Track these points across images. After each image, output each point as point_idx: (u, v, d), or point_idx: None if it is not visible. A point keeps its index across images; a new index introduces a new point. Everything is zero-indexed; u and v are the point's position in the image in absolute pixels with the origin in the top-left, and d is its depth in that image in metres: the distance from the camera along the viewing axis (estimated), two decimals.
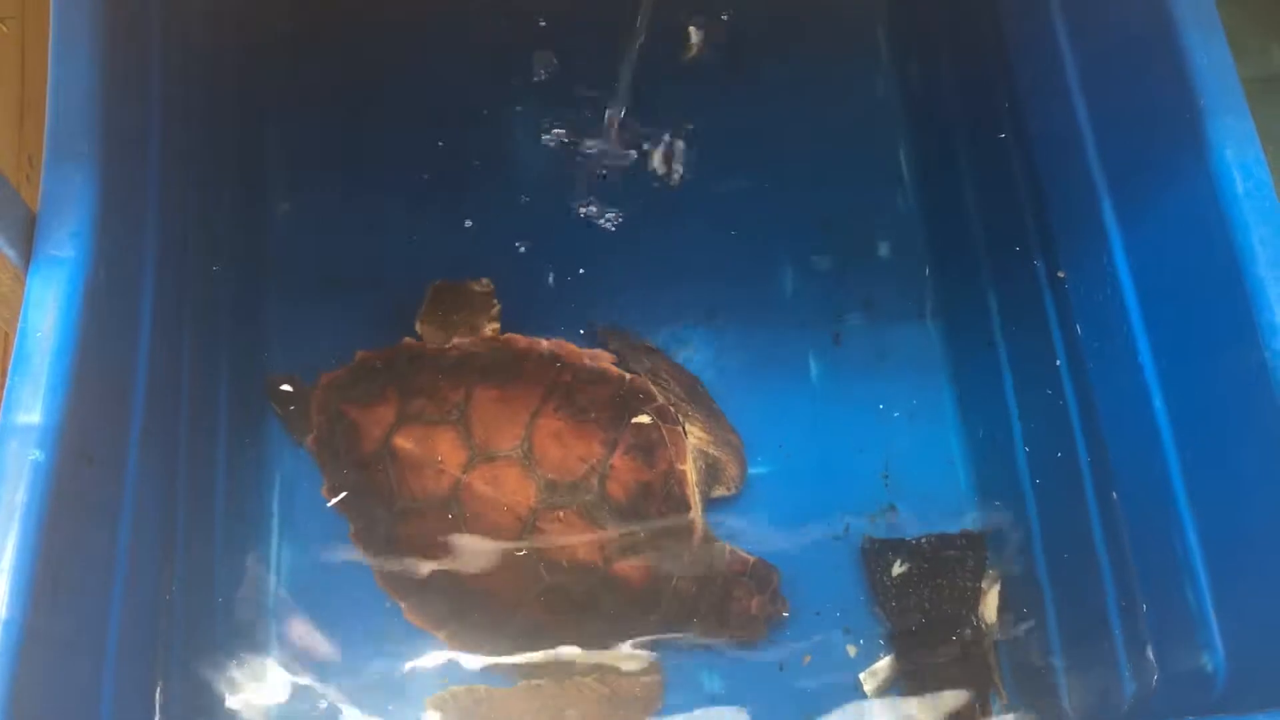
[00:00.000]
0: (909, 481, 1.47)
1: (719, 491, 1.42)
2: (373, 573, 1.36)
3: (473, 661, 1.34)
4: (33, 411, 0.94)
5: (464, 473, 1.34)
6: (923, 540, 1.41)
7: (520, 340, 1.43)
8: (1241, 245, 1.03)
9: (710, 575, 1.35)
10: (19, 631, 0.89)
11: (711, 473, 1.41)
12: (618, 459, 1.35)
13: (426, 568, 1.35)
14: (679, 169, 1.60)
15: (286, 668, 1.33)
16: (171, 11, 1.27)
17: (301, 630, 1.35)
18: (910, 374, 1.52)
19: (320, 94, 1.62)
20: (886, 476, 1.46)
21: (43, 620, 0.90)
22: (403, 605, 1.35)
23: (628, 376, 1.41)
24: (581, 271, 1.54)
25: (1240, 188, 1.04)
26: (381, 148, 1.60)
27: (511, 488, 1.33)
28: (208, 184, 1.39)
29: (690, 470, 1.37)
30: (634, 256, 1.56)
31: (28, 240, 1.01)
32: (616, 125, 1.59)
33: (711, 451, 1.41)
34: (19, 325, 0.98)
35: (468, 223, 1.56)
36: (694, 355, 1.52)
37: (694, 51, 1.66)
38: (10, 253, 0.99)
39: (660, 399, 1.40)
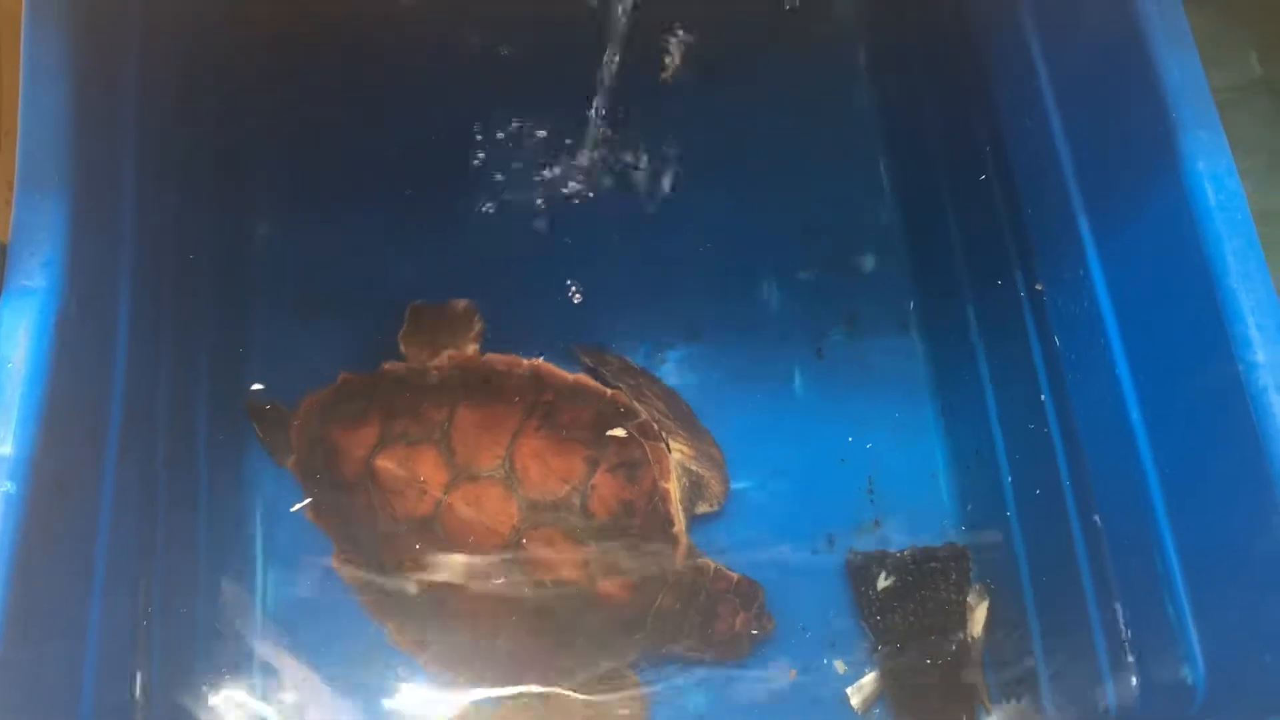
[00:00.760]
0: (893, 495, 1.47)
1: (703, 508, 1.41)
2: (356, 595, 1.36)
3: (457, 682, 1.34)
4: (4, 443, 0.94)
5: (446, 493, 1.34)
6: (907, 553, 1.41)
7: (501, 360, 1.43)
8: (1214, 257, 1.03)
9: (694, 592, 1.35)
10: None
11: (695, 489, 1.40)
12: (600, 477, 1.35)
13: (410, 589, 1.34)
14: (660, 186, 1.60)
15: (269, 693, 1.33)
16: (147, 39, 1.27)
17: (284, 654, 1.34)
18: (893, 387, 1.52)
19: (299, 116, 1.61)
20: (871, 490, 1.46)
21: (15, 652, 0.90)
22: (387, 627, 1.34)
23: (609, 394, 1.41)
24: (562, 290, 1.54)
25: (1212, 200, 1.05)
26: (361, 168, 1.59)
27: (494, 508, 1.33)
28: (185, 209, 1.38)
29: (673, 487, 1.37)
30: (615, 274, 1.55)
31: None
32: (597, 143, 1.59)
33: (695, 468, 1.41)
34: None
35: (449, 242, 1.56)
36: (676, 371, 1.52)
37: (674, 68, 1.66)
38: None
39: (643, 416, 1.40)
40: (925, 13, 1.59)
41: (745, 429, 1.48)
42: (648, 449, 1.37)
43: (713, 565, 1.37)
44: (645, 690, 1.35)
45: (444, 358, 1.43)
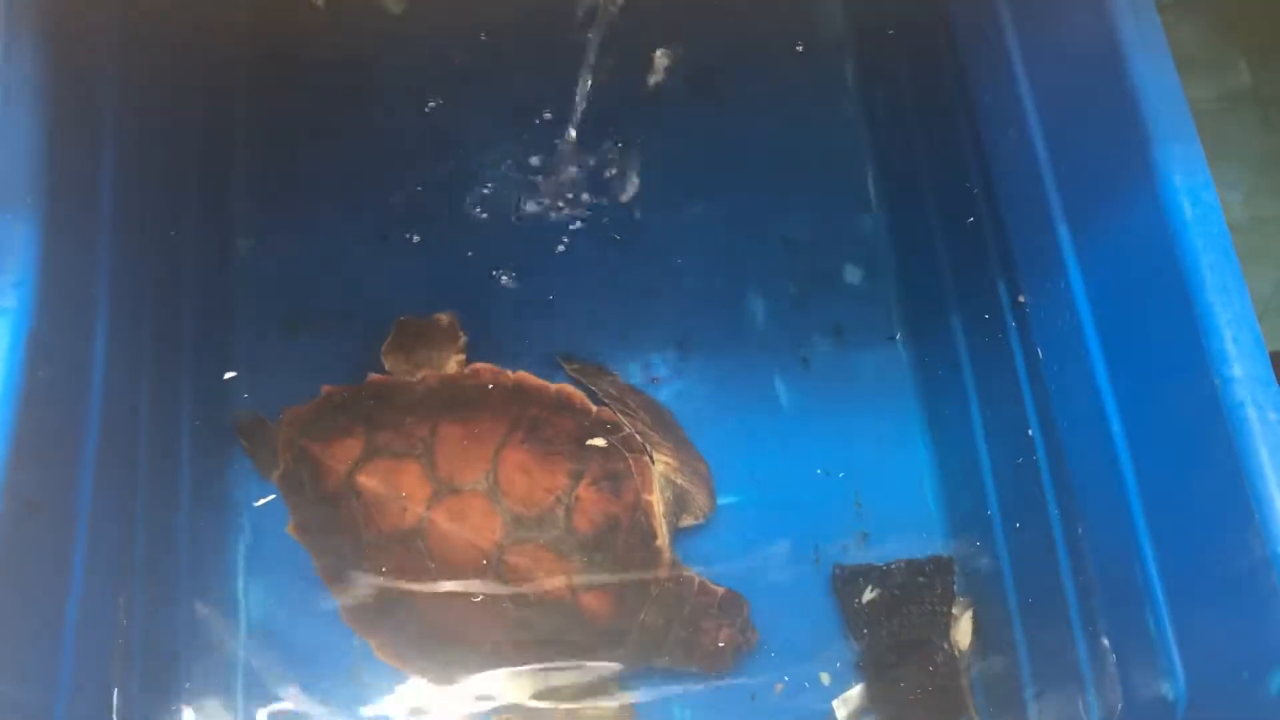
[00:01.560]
0: (879, 506, 1.46)
1: (687, 521, 1.41)
2: (339, 609, 1.35)
3: (441, 697, 1.33)
4: None
5: (429, 508, 1.34)
6: (893, 566, 1.41)
7: (486, 373, 1.43)
8: (1191, 271, 1.03)
9: (679, 606, 1.34)
10: None
11: (679, 502, 1.40)
12: (584, 490, 1.35)
13: (394, 603, 1.34)
14: (646, 198, 1.60)
15: (251, 710, 1.32)
16: (127, 54, 1.27)
17: (267, 670, 1.34)
18: (879, 398, 1.52)
19: (282, 130, 1.61)
20: (857, 503, 1.46)
21: None
22: (371, 642, 1.34)
23: (594, 408, 1.41)
24: (547, 302, 1.54)
25: (1189, 214, 1.04)
26: (346, 182, 1.59)
27: (477, 522, 1.33)
28: (166, 225, 1.39)
29: (657, 500, 1.37)
30: (600, 286, 1.55)
31: None
32: (583, 155, 1.58)
33: (679, 481, 1.40)
34: None
35: (433, 256, 1.56)
36: (661, 383, 1.51)
37: (660, 78, 1.66)
38: None
39: (627, 428, 1.40)
40: (911, 26, 1.59)
41: (731, 441, 1.48)
42: (631, 462, 1.37)
43: (697, 578, 1.36)
44: (630, 704, 1.35)
45: (428, 371, 1.43)
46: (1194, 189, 1.05)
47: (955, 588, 1.40)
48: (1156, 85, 1.08)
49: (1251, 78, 1.75)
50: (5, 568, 0.94)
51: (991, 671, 1.37)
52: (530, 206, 1.59)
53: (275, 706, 1.33)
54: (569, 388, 1.42)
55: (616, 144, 1.62)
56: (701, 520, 1.42)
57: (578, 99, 1.53)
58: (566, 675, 1.34)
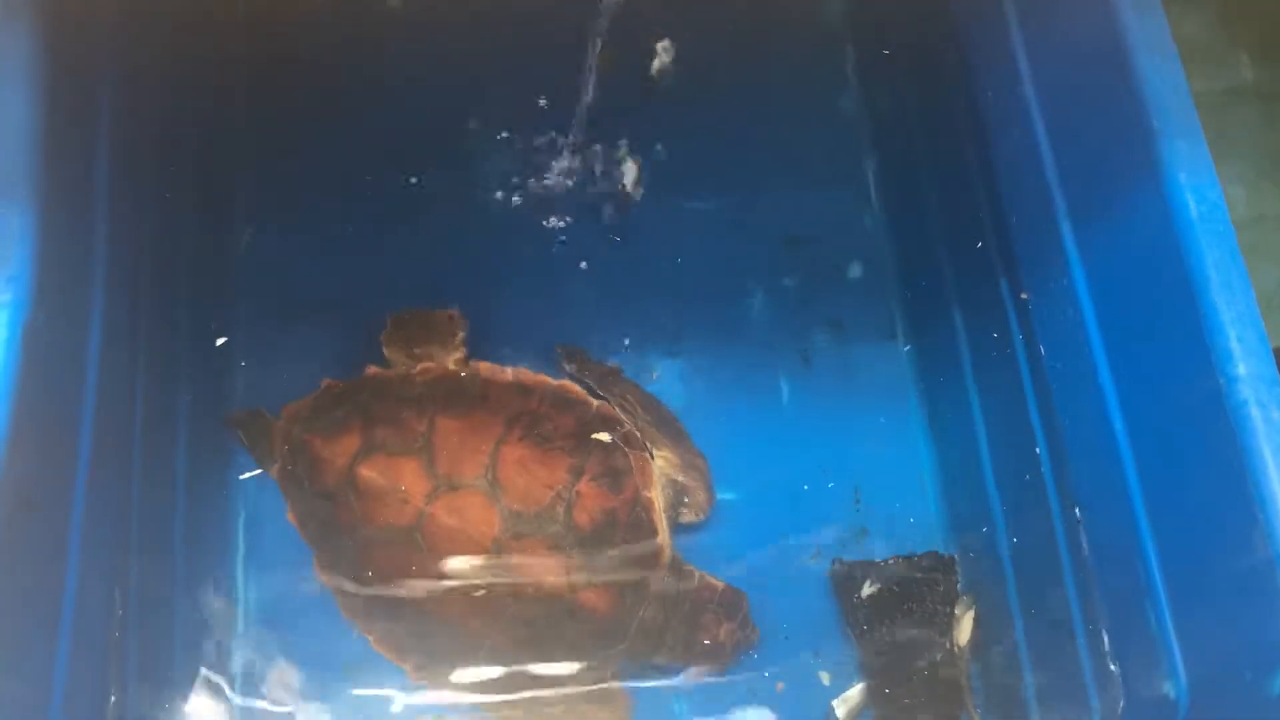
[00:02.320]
0: (879, 503, 1.46)
1: (687, 517, 1.41)
2: (338, 604, 1.35)
3: (440, 692, 1.33)
4: None
5: (428, 503, 1.33)
6: (892, 562, 1.41)
7: (485, 368, 1.42)
8: (1195, 269, 1.02)
9: (678, 603, 1.34)
10: None
11: (679, 498, 1.40)
12: (583, 486, 1.34)
13: (392, 598, 1.34)
14: (645, 191, 1.59)
15: (249, 704, 1.32)
16: (123, 43, 1.26)
17: (265, 664, 1.34)
18: (880, 394, 1.52)
19: (282, 120, 1.61)
20: (857, 499, 1.45)
21: None
22: (370, 637, 1.34)
23: (593, 403, 1.40)
24: (547, 297, 1.53)
25: (1194, 211, 1.04)
26: (345, 173, 1.59)
27: (476, 517, 1.33)
28: (163, 215, 1.38)
29: (657, 496, 1.36)
30: (600, 280, 1.55)
31: None
32: (581, 148, 1.58)
33: (679, 477, 1.40)
34: None
35: (432, 249, 1.55)
36: (660, 379, 1.51)
37: (660, 72, 1.65)
38: None
39: (626, 424, 1.39)
40: (912, 20, 1.58)
41: (730, 437, 1.47)
42: (631, 458, 1.36)
43: (697, 575, 1.36)
44: (628, 701, 1.34)
45: (427, 365, 1.43)
46: (1199, 186, 1.04)
47: (956, 585, 1.39)
48: (1161, 80, 1.08)
49: (1254, 73, 1.75)
50: (1, 562, 0.93)
51: (992, 670, 1.36)
52: (530, 200, 1.58)
53: (272, 699, 1.32)
54: (568, 383, 1.42)
55: (617, 138, 1.61)
56: (701, 516, 1.41)
57: (578, 93, 1.53)
58: (565, 671, 1.33)
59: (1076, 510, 1.25)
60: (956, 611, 1.39)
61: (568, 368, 1.47)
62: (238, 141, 1.59)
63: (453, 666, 1.34)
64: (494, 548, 1.32)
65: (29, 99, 1.04)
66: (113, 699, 1.18)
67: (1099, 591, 1.21)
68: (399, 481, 1.34)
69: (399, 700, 1.33)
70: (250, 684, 1.33)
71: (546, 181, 1.59)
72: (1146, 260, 1.10)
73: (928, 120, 1.56)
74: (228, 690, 1.32)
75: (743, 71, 1.67)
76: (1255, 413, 0.97)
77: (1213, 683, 1.04)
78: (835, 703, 1.36)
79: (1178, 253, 1.04)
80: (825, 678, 1.37)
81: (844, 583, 1.40)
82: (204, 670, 1.32)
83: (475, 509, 1.33)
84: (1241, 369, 0.98)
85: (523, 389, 1.40)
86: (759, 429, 1.49)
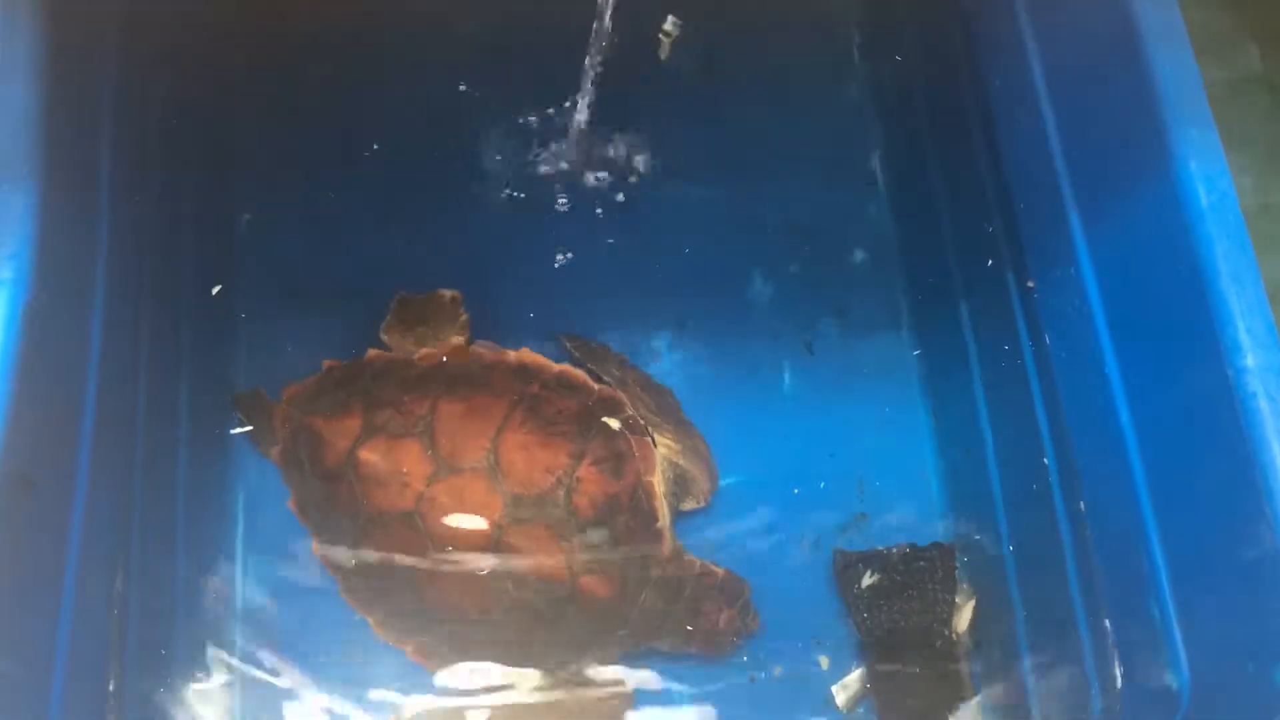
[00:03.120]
0: (882, 491, 1.46)
1: (688, 503, 1.40)
2: (338, 587, 1.35)
3: (440, 676, 1.33)
4: None
5: (428, 486, 1.33)
6: (894, 551, 1.40)
7: (487, 352, 1.41)
8: (1204, 258, 1.02)
9: (679, 588, 1.34)
10: None
11: (681, 484, 1.39)
12: (585, 471, 1.34)
13: (393, 582, 1.33)
14: (649, 178, 1.59)
15: (248, 687, 1.32)
16: (127, 25, 1.26)
17: (264, 648, 1.34)
18: (883, 382, 1.51)
19: (284, 102, 1.60)
20: (860, 487, 1.45)
21: None
22: (370, 619, 1.34)
23: (596, 387, 1.39)
24: (549, 281, 1.53)
25: (1204, 201, 1.03)
26: (348, 156, 1.58)
27: (477, 501, 1.32)
28: (166, 196, 1.37)
29: (658, 482, 1.36)
30: (603, 265, 1.54)
31: None
32: (585, 132, 1.57)
33: (681, 463, 1.39)
34: None
35: (434, 232, 1.55)
36: (664, 365, 1.50)
37: (665, 56, 1.65)
38: None
39: (629, 410, 1.39)
40: (920, 4, 1.57)
41: (733, 424, 1.47)
42: (633, 443, 1.36)
43: (698, 561, 1.36)
44: (628, 685, 1.34)
45: (429, 348, 1.42)
46: (1209, 176, 1.04)
47: (957, 574, 1.39)
48: (1173, 68, 1.07)
49: (1262, 62, 1.74)
50: (2, 543, 0.93)
51: (992, 658, 1.36)
52: (533, 185, 1.57)
53: (273, 683, 1.33)
54: (570, 367, 1.41)
55: (621, 122, 1.60)
56: (702, 503, 1.41)
57: (582, 77, 1.51)
58: (565, 655, 1.33)
59: (1080, 500, 1.25)
60: (957, 599, 1.39)
61: (571, 351, 1.46)
62: (239, 123, 1.58)
63: (452, 650, 1.34)
64: (495, 531, 1.32)
65: (32, 80, 1.04)
66: (112, 679, 1.18)
67: (1101, 581, 1.21)
68: (400, 464, 1.34)
69: (399, 684, 1.33)
70: (250, 666, 1.33)
71: (550, 166, 1.58)
72: (1155, 249, 1.09)
73: (934, 106, 1.56)
74: (228, 672, 1.32)
75: (749, 57, 1.66)
76: (1264, 404, 0.96)
77: (1215, 674, 1.04)
78: (835, 688, 1.36)
79: (1187, 242, 1.03)
80: (824, 663, 1.37)
81: (845, 571, 1.39)
82: (204, 651, 1.32)
83: (476, 493, 1.32)
84: (1250, 360, 0.97)
85: (525, 372, 1.39)
86: (762, 416, 1.49)
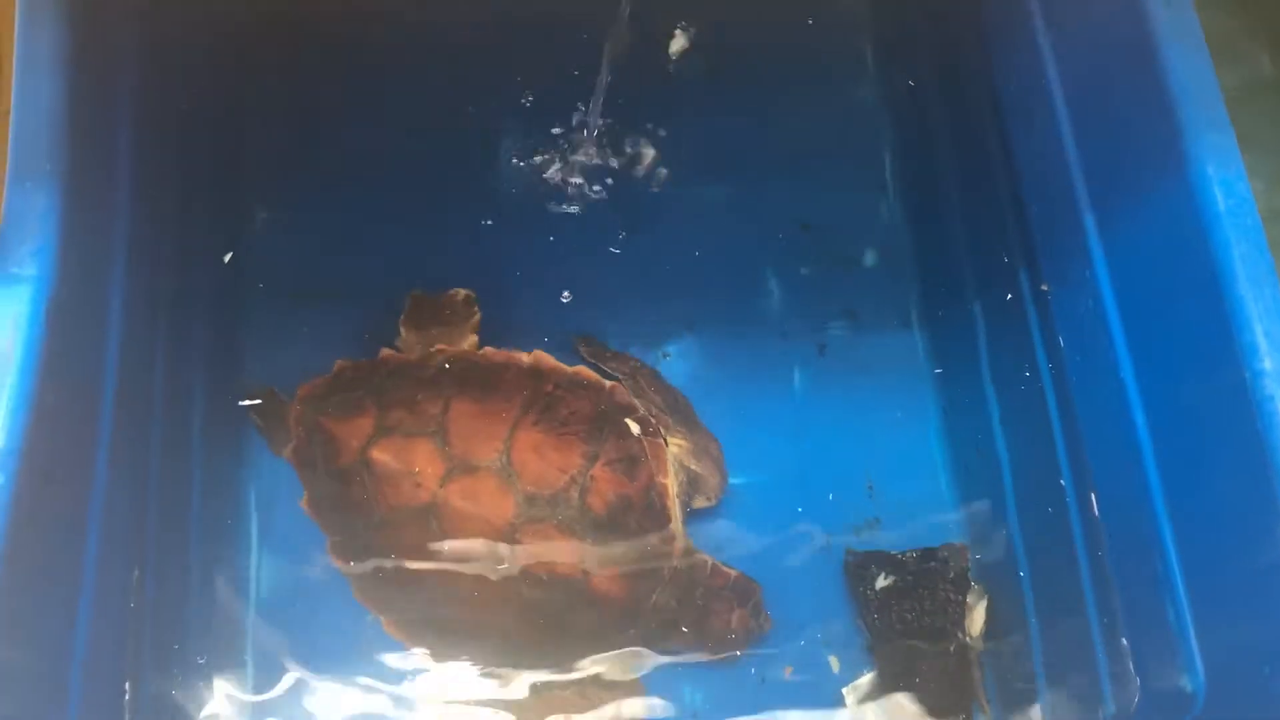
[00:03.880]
0: (893, 493, 1.46)
1: (700, 503, 1.40)
2: (351, 586, 1.35)
3: (451, 675, 1.33)
4: None
5: (442, 485, 1.33)
6: (906, 553, 1.40)
7: (499, 352, 1.41)
8: (1222, 262, 1.02)
9: (691, 589, 1.34)
10: None
11: (692, 485, 1.39)
12: (598, 471, 1.34)
13: (406, 581, 1.34)
14: (660, 179, 1.59)
15: (262, 684, 1.32)
16: (147, 25, 1.26)
17: (278, 645, 1.34)
18: (895, 385, 1.51)
19: (299, 103, 1.60)
20: (871, 488, 1.45)
21: (2, 648, 0.89)
22: (383, 619, 1.34)
23: (608, 387, 1.40)
24: (562, 282, 1.53)
25: (1221, 205, 1.03)
26: (361, 156, 1.58)
27: (490, 501, 1.32)
28: (182, 195, 1.38)
29: (671, 483, 1.36)
30: (615, 267, 1.54)
31: None
32: (597, 134, 1.57)
33: (692, 463, 1.40)
34: None
35: (448, 232, 1.55)
36: (675, 366, 1.50)
37: (677, 58, 1.65)
38: None
39: (641, 410, 1.39)
40: (933, 6, 1.57)
41: (744, 425, 1.47)
42: (645, 444, 1.36)
43: (709, 562, 1.36)
44: (640, 686, 1.34)
45: (442, 348, 1.42)
46: (1227, 180, 1.04)
47: (969, 575, 1.39)
48: (1189, 71, 1.07)
49: (1273, 66, 1.74)
50: (22, 537, 0.94)
51: (1004, 661, 1.36)
52: (546, 186, 1.57)
53: (286, 680, 1.33)
54: (584, 368, 1.41)
55: (633, 124, 1.60)
56: (714, 503, 1.41)
57: (595, 78, 1.52)
58: (577, 655, 1.33)
59: (1094, 503, 1.25)
60: (969, 601, 1.39)
61: (583, 352, 1.47)
62: (255, 123, 1.58)
63: (465, 649, 1.34)
64: (508, 531, 1.32)
65: (54, 80, 1.05)
66: (128, 674, 1.18)
67: (1116, 584, 1.21)
68: (413, 464, 1.34)
69: (412, 683, 1.33)
70: (263, 664, 1.33)
71: (562, 167, 1.58)
72: (1171, 253, 1.09)
73: (948, 108, 1.56)
74: (241, 670, 1.32)
75: (761, 58, 1.66)
76: None
77: (1231, 677, 1.05)
78: (846, 690, 1.36)
79: (1204, 246, 1.03)
80: (835, 664, 1.37)
81: (857, 572, 1.40)
82: (218, 651, 1.32)
83: (489, 492, 1.33)
84: (1268, 364, 0.97)
85: (539, 373, 1.39)
86: (773, 417, 1.49)
